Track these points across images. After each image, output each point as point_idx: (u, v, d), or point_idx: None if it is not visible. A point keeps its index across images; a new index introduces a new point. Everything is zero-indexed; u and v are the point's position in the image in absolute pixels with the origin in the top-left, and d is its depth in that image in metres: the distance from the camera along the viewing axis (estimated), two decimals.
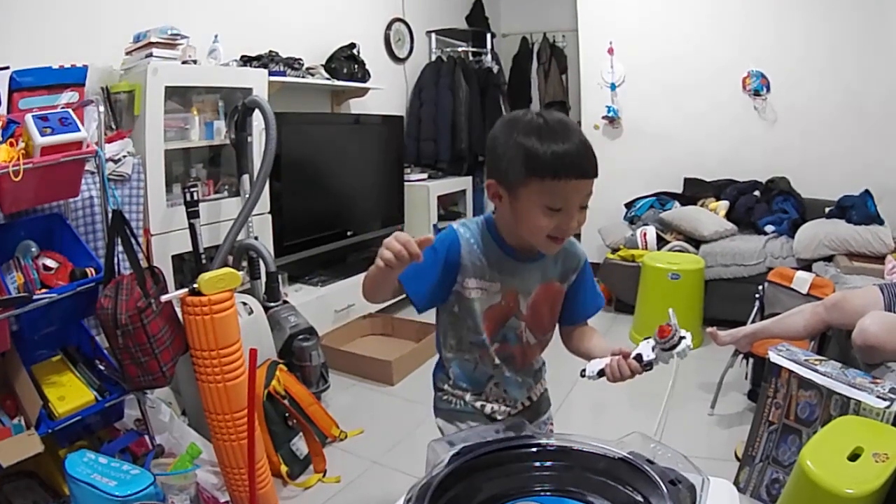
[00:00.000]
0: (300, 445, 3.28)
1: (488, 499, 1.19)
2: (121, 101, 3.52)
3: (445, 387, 1.93)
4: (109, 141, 3.23)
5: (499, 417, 1.89)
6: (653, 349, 1.62)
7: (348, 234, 5.55)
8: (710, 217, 5.70)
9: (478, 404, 1.88)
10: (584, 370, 1.74)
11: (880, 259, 4.63)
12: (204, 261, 3.59)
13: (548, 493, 1.20)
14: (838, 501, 2.13)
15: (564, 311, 1.92)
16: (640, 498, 1.15)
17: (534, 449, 1.29)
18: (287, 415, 3.30)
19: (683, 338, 1.60)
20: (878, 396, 2.49)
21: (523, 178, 1.58)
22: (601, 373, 1.69)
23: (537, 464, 1.27)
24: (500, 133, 1.65)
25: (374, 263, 1.53)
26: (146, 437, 2.91)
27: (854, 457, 2.25)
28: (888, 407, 2.44)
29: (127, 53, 3.70)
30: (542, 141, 1.56)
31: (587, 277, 1.94)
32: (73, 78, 2.96)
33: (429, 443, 1.29)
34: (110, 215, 2.81)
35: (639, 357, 1.63)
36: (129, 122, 3.54)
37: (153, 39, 3.57)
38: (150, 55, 3.57)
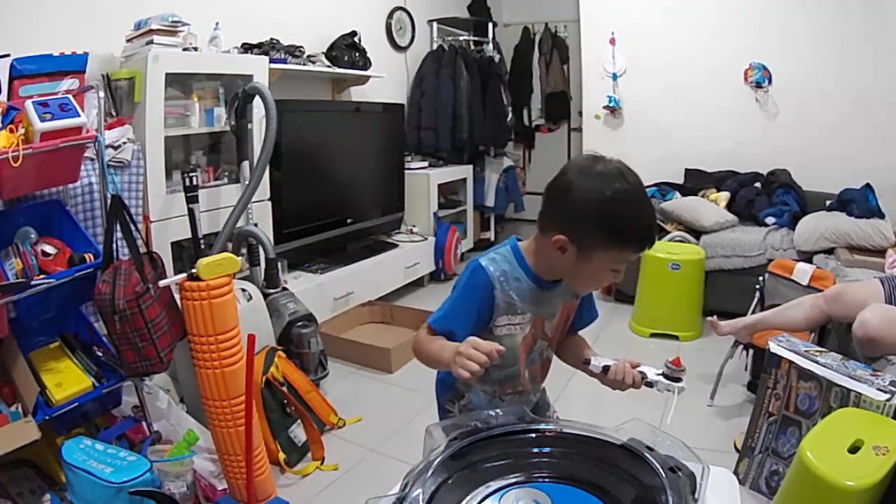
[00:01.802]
0: (298, 433, 3.28)
1: (486, 485, 1.17)
2: (121, 88, 3.51)
3: (455, 409, 1.91)
4: (109, 128, 3.23)
5: None
6: (657, 374, 1.67)
7: (348, 221, 5.55)
8: (711, 208, 5.70)
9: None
10: (589, 359, 1.76)
11: (881, 253, 4.62)
12: (203, 247, 3.58)
13: (546, 480, 1.19)
14: (838, 494, 2.13)
15: None
16: (639, 485, 1.14)
17: (532, 435, 1.29)
18: (285, 402, 3.30)
19: (681, 380, 1.66)
20: (879, 389, 2.49)
21: (605, 244, 1.58)
22: (606, 368, 1.72)
23: (536, 450, 1.26)
24: (582, 190, 1.59)
25: (449, 366, 1.52)
26: (143, 424, 2.92)
27: (854, 449, 2.25)
28: (888, 400, 2.43)
29: (128, 41, 3.69)
30: (634, 213, 1.58)
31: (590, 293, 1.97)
32: (73, 65, 2.95)
33: (426, 427, 1.29)
34: (109, 201, 2.80)
35: (643, 374, 1.67)
36: (129, 109, 3.53)
37: (154, 27, 3.56)
38: (151, 42, 3.55)
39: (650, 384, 1.67)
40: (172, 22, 3.63)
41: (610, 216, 1.55)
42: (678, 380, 1.65)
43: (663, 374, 1.66)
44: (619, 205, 1.55)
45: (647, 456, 1.16)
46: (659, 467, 1.13)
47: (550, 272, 1.72)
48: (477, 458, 1.22)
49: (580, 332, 1.99)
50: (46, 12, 3.44)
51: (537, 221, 1.72)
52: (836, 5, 5.85)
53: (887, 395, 2.45)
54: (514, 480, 1.17)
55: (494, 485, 1.15)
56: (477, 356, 1.44)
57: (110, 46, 3.62)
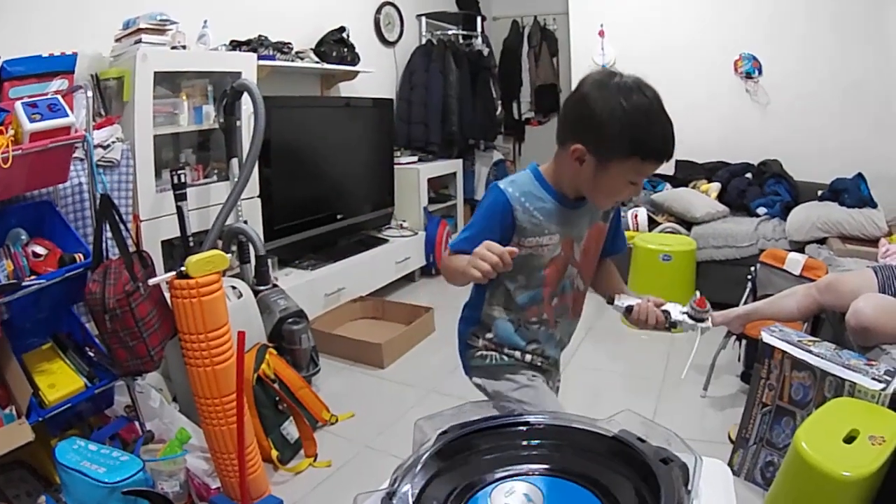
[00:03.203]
0: (291, 430, 3.29)
1: (476, 479, 1.15)
2: (110, 87, 3.51)
3: (480, 342, 1.91)
4: (99, 127, 3.23)
5: (539, 363, 1.91)
6: (681, 312, 1.69)
7: (338, 217, 5.54)
8: (702, 199, 5.72)
9: (517, 353, 1.89)
10: (612, 299, 1.82)
11: (874, 242, 4.65)
12: (192, 245, 3.59)
13: (537, 473, 1.17)
14: (834, 484, 2.14)
15: None
16: (631, 476, 1.13)
17: (523, 428, 1.28)
18: (277, 399, 3.31)
19: (707, 319, 1.69)
20: (874, 378, 2.49)
21: (626, 155, 1.59)
22: (630, 309, 1.76)
23: (526, 443, 1.25)
24: (600, 100, 1.61)
25: (466, 271, 1.58)
26: (136, 424, 2.92)
27: (850, 439, 2.26)
28: (884, 389, 2.44)
29: (116, 40, 3.68)
30: (652, 124, 1.59)
31: (618, 216, 2.00)
32: (62, 66, 2.95)
33: (415, 421, 1.28)
34: (98, 201, 2.80)
35: (666, 313, 1.69)
36: (118, 109, 3.53)
37: (142, 25, 3.55)
38: (140, 41, 3.55)
39: (674, 324, 1.71)
40: (161, 20, 3.62)
41: (629, 126, 1.57)
42: (702, 319, 1.68)
43: (688, 315, 1.68)
44: (638, 116, 1.58)
45: (639, 447, 1.15)
46: (651, 459, 1.12)
47: (572, 188, 1.75)
48: (467, 451, 1.21)
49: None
50: (36, 14, 3.43)
51: (556, 137, 1.76)
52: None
53: (882, 385, 2.45)
54: (504, 474, 1.15)
55: (484, 479, 1.14)
56: (489, 256, 1.51)
57: (99, 46, 3.60)
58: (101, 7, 3.73)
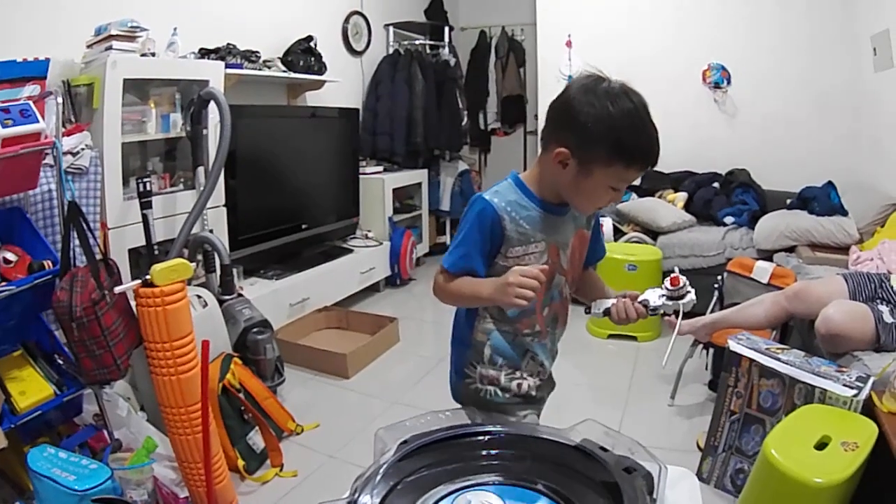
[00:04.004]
0: (256, 440, 3.28)
1: (437, 489, 1.13)
2: (81, 94, 3.49)
3: (478, 369, 1.86)
4: (68, 134, 3.21)
5: (533, 394, 1.88)
6: (660, 297, 1.69)
7: (303, 227, 5.54)
8: (668, 208, 5.76)
9: (513, 384, 1.85)
10: (589, 307, 1.82)
11: (844, 250, 4.66)
12: (158, 254, 3.57)
13: (498, 483, 1.16)
14: (806, 490, 2.14)
15: None
16: (593, 486, 1.12)
17: (484, 437, 1.26)
18: (242, 409, 3.30)
19: (689, 292, 1.69)
20: (845, 385, 2.51)
21: (608, 160, 1.58)
22: (607, 311, 1.76)
23: (487, 452, 1.23)
24: (586, 104, 1.59)
25: (501, 300, 1.61)
26: (104, 432, 2.90)
27: (821, 445, 2.27)
28: (856, 395, 2.45)
29: (88, 46, 3.66)
30: (637, 130, 1.58)
31: (598, 223, 1.99)
32: (35, 71, 2.93)
33: (375, 431, 1.27)
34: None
35: (645, 303, 1.70)
36: (88, 116, 3.51)
37: (113, 32, 3.54)
38: (110, 48, 3.53)
39: (655, 310, 1.71)
40: (131, 27, 3.61)
41: (613, 131, 1.56)
42: (682, 296, 1.68)
43: (666, 297, 1.69)
44: (623, 120, 1.56)
45: (601, 457, 1.15)
46: (613, 468, 1.11)
47: (554, 193, 1.72)
48: (427, 461, 1.19)
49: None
50: (9, 19, 3.42)
51: (540, 140, 1.74)
52: (798, 7, 5.98)
53: (854, 391, 2.47)
54: (465, 484, 1.14)
55: (445, 489, 1.13)
56: (529, 282, 1.52)
57: (72, 52, 3.58)
58: (74, 13, 3.72)
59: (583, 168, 1.61)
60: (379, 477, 1.11)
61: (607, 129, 1.55)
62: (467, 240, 1.72)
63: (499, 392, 1.85)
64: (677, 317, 1.73)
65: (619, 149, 1.56)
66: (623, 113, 1.56)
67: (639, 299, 1.72)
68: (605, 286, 1.99)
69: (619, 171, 1.60)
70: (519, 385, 1.86)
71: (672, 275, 1.71)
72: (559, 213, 1.77)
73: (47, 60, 2.99)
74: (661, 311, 1.71)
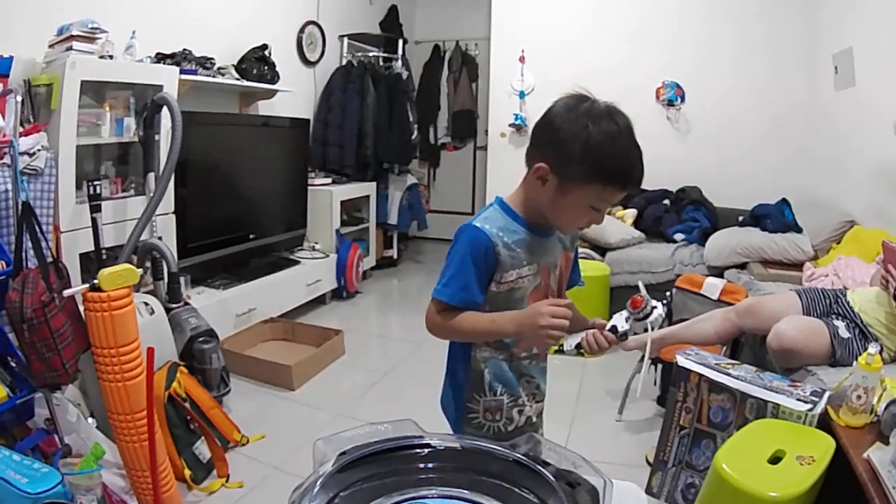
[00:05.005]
0: (203, 450, 3.25)
1: (375, 501, 1.11)
2: (40, 94, 3.45)
3: (481, 402, 1.84)
4: (25, 134, 3.16)
5: (534, 420, 1.91)
6: (626, 320, 1.70)
7: (251, 237, 5.51)
8: (617, 225, 5.80)
9: (514, 412, 1.84)
10: (561, 345, 1.79)
11: (797, 266, 4.73)
12: (106, 259, 3.54)
13: (437, 497, 1.13)
14: None
15: None
16: (535, 500, 1.10)
17: (423, 450, 1.23)
18: (188, 418, 3.26)
19: (655, 307, 1.70)
20: (799, 399, 2.49)
21: (587, 178, 1.57)
22: (578, 346, 1.77)
23: (427, 465, 1.21)
24: (567, 122, 1.59)
25: (534, 335, 1.62)
26: (55, 437, 2.87)
27: (775, 460, 2.24)
28: (811, 410, 2.43)
29: (50, 46, 3.63)
30: (617, 150, 1.58)
31: (577, 249, 1.98)
32: None
33: (314, 442, 1.22)
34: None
35: (614, 329, 1.71)
36: (46, 116, 3.46)
37: (74, 32, 3.51)
38: (71, 48, 3.50)
39: (625, 335, 1.72)
40: (92, 28, 3.58)
41: (590, 150, 1.55)
42: (648, 315, 1.69)
43: (633, 319, 1.70)
44: (603, 139, 1.56)
45: (543, 471, 1.13)
46: (555, 482, 1.10)
47: (540, 214, 1.71)
48: (366, 473, 1.16)
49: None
50: None
51: (525, 160, 1.72)
52: (752, 27, 6.14)
53: (809, 405, 2.45)
54: (403, 497, 1.12)
55: (384, 501, 1.11)
56: (561, 322, 1.55)
57: (35, 51, 3.56)
58: (39, 12, 3.70)
59: (562, 185, 1.61)
60: (316, 489, 1.09)
61: (585, 147, 1.56)
62: (463, 270, 1.69)
63: (501, 428, 1.84)
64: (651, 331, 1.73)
65: (596, 167, 1.56)
66: (602, 132, 1.56)
67: (607, 327, 1.73)
68: (578, 312, 1.91)
69: (597, 191, 1.59)
70: (520, 412, 1.86)
71: (633, 297, 1.72)
72: (546, 234, 1.77)
73: (11, 58, 2.96)
74: (632, 333, 1.72)
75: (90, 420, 3.01)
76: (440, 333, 1.76)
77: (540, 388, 1.92)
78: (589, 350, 1.75)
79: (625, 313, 1.71)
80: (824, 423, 2.44)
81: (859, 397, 2.34)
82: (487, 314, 1.68)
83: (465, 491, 1.14)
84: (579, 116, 1.58)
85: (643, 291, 1.69)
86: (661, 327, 1.73)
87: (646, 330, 1.73)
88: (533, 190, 1.68)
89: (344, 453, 1.18)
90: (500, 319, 1.67)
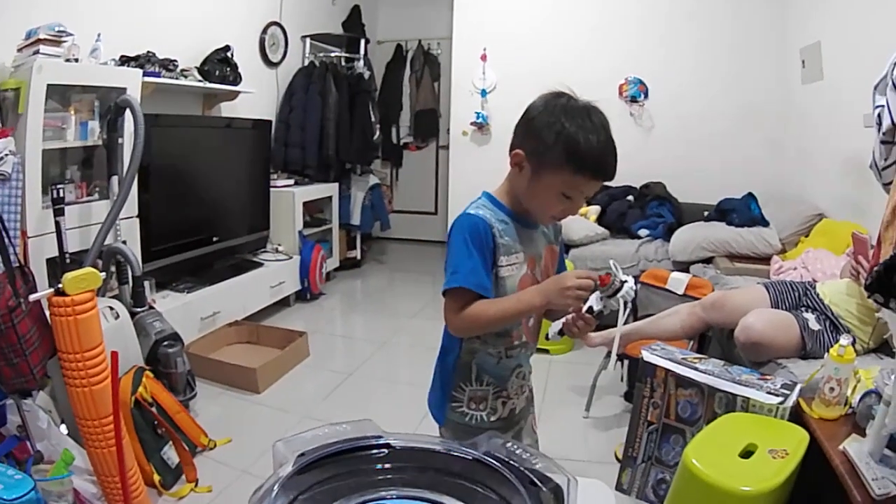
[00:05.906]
0: (171, 454, 3.25)
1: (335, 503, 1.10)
2: (8, 98, 3.44)
3: (467, 390, 1.87)
4: None
5: (517, 411, 1.94)
6: (600, 299, 1.71)
7: (214, 240, 5.48)
8: (580, 222, 5.79)
9: (498, 403, 1.88)
10: (546, 334, 1.85)
11: (763, 260, 4.76)
12: (70, 262, 3.52)
13: (397, 497, 1.12)
14: (733, 499, 2.07)
15: None
16: (497, 500, 1.09)
17: (383, 451, 1.21)
18: (155, 423, 3.26)
19: (625, 282, 1.70)
20: (770, 392, 2.48)
21: (558, 165, 1.64)
22: (561, 331, 1.81)
23: (385, 465, 1.19)
24: (545, 112, 1.68)
25: (559, 302, 1.66)
26: (27, 443, 2.86)
27: (747, 454, 2.21)
28: (782, 403, 2.42)
29: (18, 50, 3.61)
30: (588, 139, 1.63)
31: (562, 244, 2.04)
32: None
33: (273, 443, 1.20)
34: None
35: (590, 310, 1.73)
36: (13, 121, 3.45)
37: (42, 36, 3.50)
38: (38, 52, 3.49)
39: (601, 313, 1.73)
40: (58, 31, 3.57)
41: (567, 137, 1.63)
42: (619, 289, 1.69)
43: (606, 296, 1.71)
44: (575, 129, 1.63)
45: (504, 470, 1.11)
46: (517, 481, 1.08)
47: (519, 204, 1.79)
48: (326, 475, 1.14)
49: None
50: None
51: (509, 153, 1.77)
52: (715, 22, 6.20)
53: (780, 399, 2.44)
54: (363, 499, 1.11)
55: (343, 503, 1.09)
56: (586, 283, 1.62)
57: (5, 56, 3.56)
58: (8, 16, 3.67)
59: (535, 171, 1.68)
60: (275, 492, 1.06)
61: (558, 135, 1.63)
62: (468, 256, 1.71)
63: (484, 417, 1.87)
64: (625, 308, 1.73)
65: (567, 154, 1.63)
66: (576, 123, 1.64)
67: (583, 309, 1.74)
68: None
69: (568, 178, 1.65)
70: (504, 403, 1.90)
71: (601, 275, 1.70)
72: (531, 226, 1.83)
73: None
74: (607, 311, 1.73)
75: (62, 427, 3.00)
76: (465, 329, 1.78)
77: (525, 378, 1.96)
78: (570, 333, 1.79)
79: (597, 293, 1.72)
80: (796, 417, 2.42)
81: (832, 389, 2.33)
82: (509, 296, 1.72)
83: (425, 491, 1.13)
84: (556, 108, 1.67)
85: (613, 269, 1.71)
86: (634, 299, 1.75)
87: (623, 305, 1.73)
88: (513, 178, 1.76)
89: (303, 454, 1.16)
90: (524, 295, 1.71)
